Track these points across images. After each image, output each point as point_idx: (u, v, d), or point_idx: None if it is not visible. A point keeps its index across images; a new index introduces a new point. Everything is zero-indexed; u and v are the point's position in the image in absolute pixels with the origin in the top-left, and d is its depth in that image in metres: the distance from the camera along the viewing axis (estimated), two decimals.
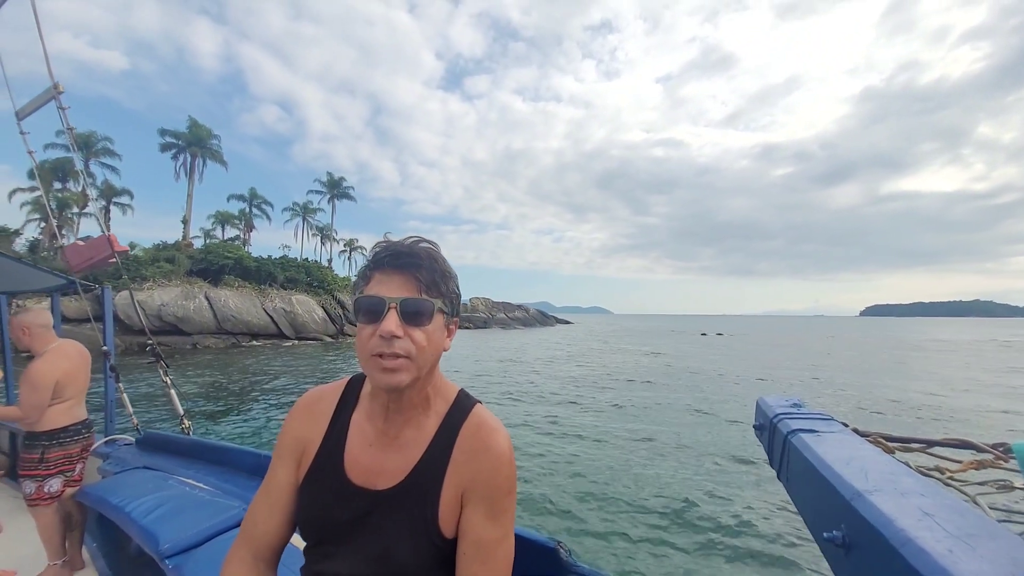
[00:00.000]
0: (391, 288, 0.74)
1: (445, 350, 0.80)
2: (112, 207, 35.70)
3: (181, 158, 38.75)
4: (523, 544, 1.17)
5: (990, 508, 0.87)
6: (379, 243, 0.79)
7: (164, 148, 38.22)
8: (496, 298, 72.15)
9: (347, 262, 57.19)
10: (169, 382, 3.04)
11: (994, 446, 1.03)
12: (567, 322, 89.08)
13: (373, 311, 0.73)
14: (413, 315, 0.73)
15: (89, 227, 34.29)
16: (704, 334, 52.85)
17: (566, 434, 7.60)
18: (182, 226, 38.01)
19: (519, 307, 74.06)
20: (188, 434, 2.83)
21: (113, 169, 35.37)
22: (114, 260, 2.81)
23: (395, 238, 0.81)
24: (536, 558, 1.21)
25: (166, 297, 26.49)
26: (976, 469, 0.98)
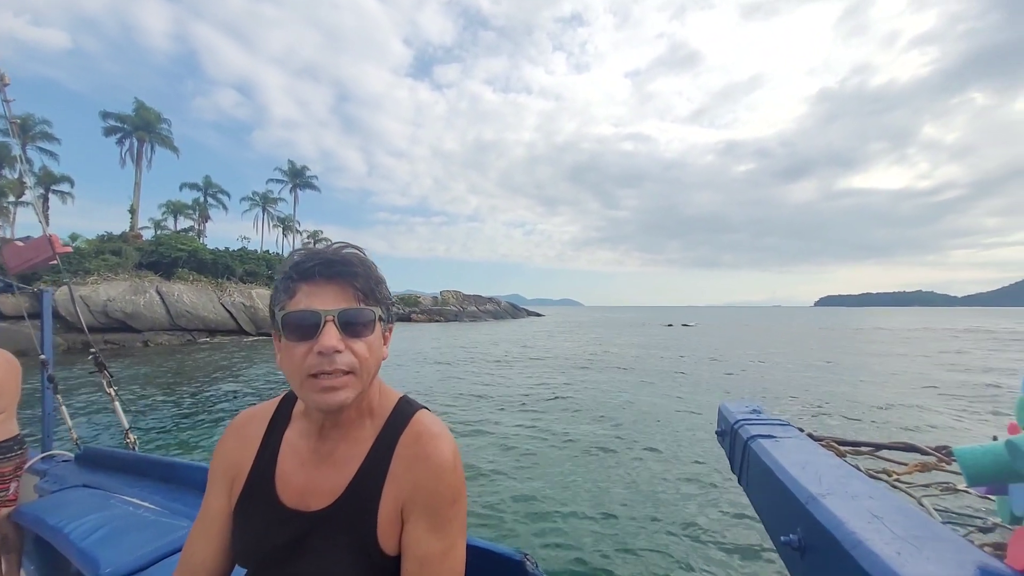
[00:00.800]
0: (325, 300, 0.69)
1: (384, 358, 0.77)
2: (51, 195, 33.15)
3: (127, 143, 36.25)
4: (488, 557, 1.16)
5: (935, 510, 0.91)
6: (299, 251, 0.74)
7: (108, 132, 35.65)
8: (467, 291, 71.75)
9: (297, 248, 55.34)
10: (113, 393, 2.85)
11: (937, 449, 1.09)
12: (538, 314, 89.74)
13: (306, 327, 0.67)
14: (354, 326, 0.69)
15: (26, 217, 31.69)
16: (670, 325, 54.49)
17: (531, 436, 7.58)
18: (129, 216, 35.67)
19: (490, 300, 73.99)
20: (133, 449, 2.68)
21: (52, 155, 32.89)
22: (55, 262, 2.63)
23: (317, 246, 0.76)
24: (501, 571, 1.18)
25: (113, 292, 24.85)
26: (921, 472, 1.03)
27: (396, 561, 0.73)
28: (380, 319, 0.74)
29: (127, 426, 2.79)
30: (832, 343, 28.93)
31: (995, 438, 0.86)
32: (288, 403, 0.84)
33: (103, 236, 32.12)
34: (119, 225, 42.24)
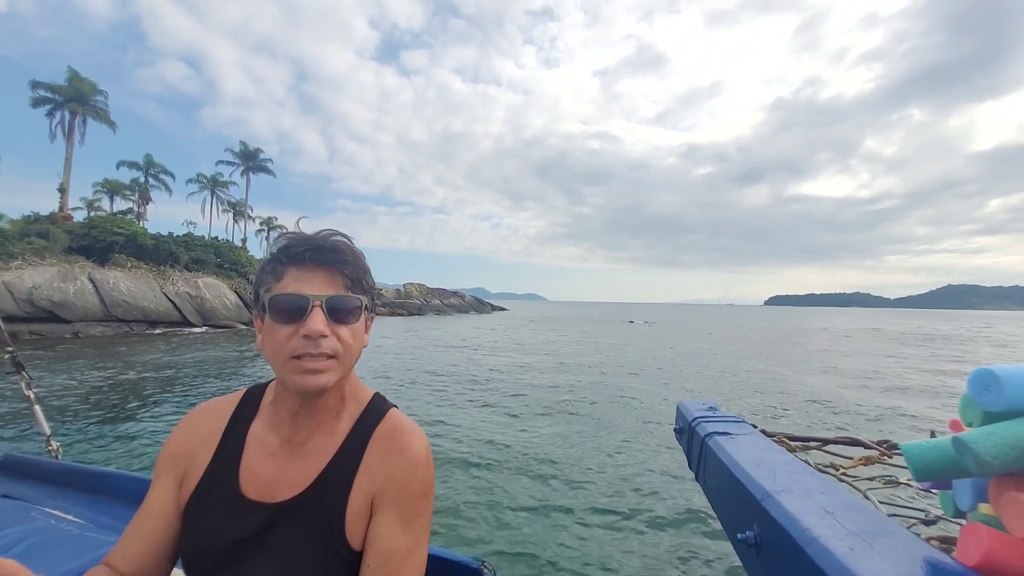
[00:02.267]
0: (314, 285, 0.70)
1: (364, 346, 0.78)
2: None
3: (57, 116, 33.12)
4: (444, 565, 1.12)
5: (880, 503, 0.94)
6: (287, 235, 0.75)
7: (36, 103, 32.40)
8: (431, 284, 71.02)
9: (264, 242, 52.91)
10: (33, 396, 2.59)
11: (879, 443, 1.12)
12: (502, 308, 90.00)
13: (294, 310, 0.68)
14: (340, 313, 0.71)
15: None
16: (632, 322, 56.04)
17: (488, 439, 7.49)
18: (59, 195, 32.72)
19: (454, 293, 73.52)
20: (56, 457, 2.46)
21: None
22: None
23: (304, 229, 0.77)
24: None
25: (39, 278, 22.75)
26: (865, 465, 1.05)
27: (358, 556, 0.71)
28: (365, 308, 0.76)
29: (48, 433, 2.56)
30: (796, 346, 30.58)
31: (933, 434, 0.85)
32: (253, 396, 0.82)
33: (29, 216, 29.30)
34: (48, 205, 38.67)
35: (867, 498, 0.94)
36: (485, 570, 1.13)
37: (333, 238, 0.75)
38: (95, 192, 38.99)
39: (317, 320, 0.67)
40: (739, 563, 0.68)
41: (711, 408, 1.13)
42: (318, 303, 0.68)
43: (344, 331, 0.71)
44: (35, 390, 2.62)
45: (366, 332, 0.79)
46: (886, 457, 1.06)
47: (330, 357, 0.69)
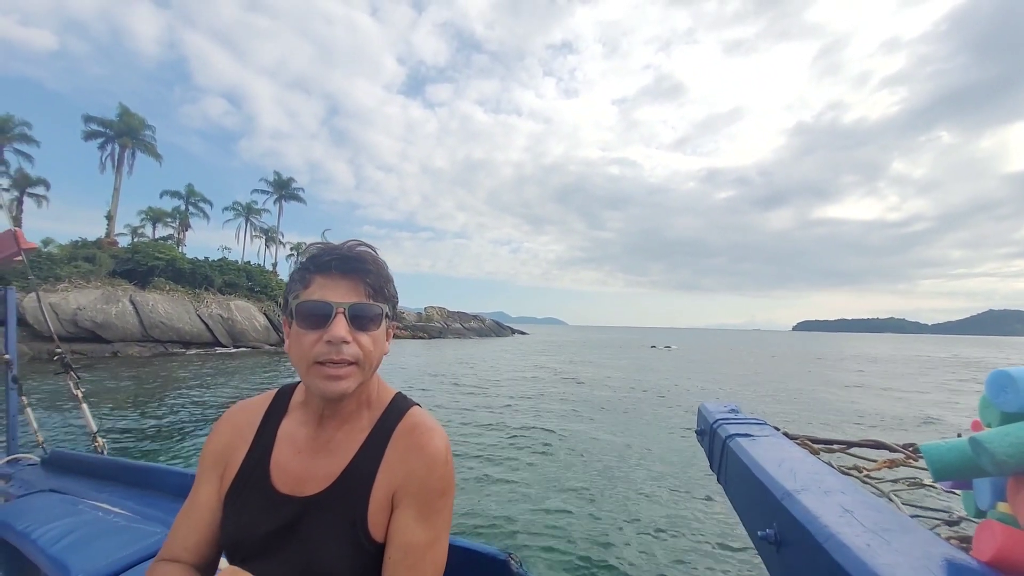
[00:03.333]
0: (337, 293, 0.73)
1: (385, 353, 0.80)
2: (26, 198, 32.15)
3: (108, 148, 35.54)
4: (472, 557, 1.17)
5: (903, 504, 0.96)
6: (315, 244, 0.79)
7: (89, 136, 34.89)
8: (452, 307, 71.32)
9: (294, 267, 54.35)
10: (80, 395, 2.74)
11: (904, 446, 1.13)
12: (523, 332, 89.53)
13: (318, 316, 0.71)
14: (362, 320, 0.73)
15: None
16: (653, 347, 54.79)
17: (517, 445, 7.57)
18: (106, 222, 34.75)
19: (475, 317, 73.59)
20: (102, 453, 2.58)
21: (28, 157, 31.99)
22: (20, 258, 2.52)
23: (331, 240, 0.80)
24: (486, 571, 1.18)
25: (84, 300, 23.99)
26: (889, 468, 1.08)
27: (381, 549, 0.74)
28: (386, 316, 0.78)
29: (95, 429, 2.68)
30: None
31: (959, 435, 0.91)
32: (284, 395, 0.86)
33: (77, 242, 31.15)
34: (95, 231, 41.09)
35: (890, 500, 0.96)
36: (512, 562, 1.16)
37: (358, 248, 0.78)
38: (140, 219, 41.34)
39: (340, 326, 0.70)
40: (760, 560, 0.71)
41: (733, 410, 1.15)
42: (341, 310, 0.71)
43: (365, 338, 0.73)
44: (82, 390, 2.78)
45: (388, 340, 0.81)
46: (911, 460, 1.08)
47: (351, 363, 0.71)
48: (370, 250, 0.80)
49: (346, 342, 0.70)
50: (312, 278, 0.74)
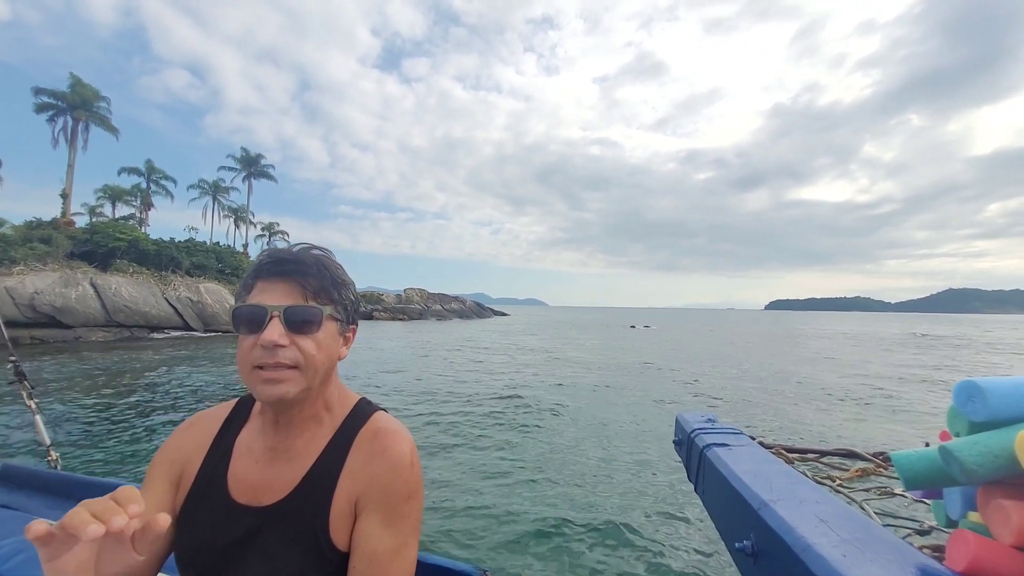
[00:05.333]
0: (274, 296, 0.71)
1: (341, 358, 0.79)
2: None
3: (60, 122, 33.33)
4: (442, 573, 1.13)
5: (875, 513, 0.95)
6: (264, 251, 0.78)
7: (40, 109, 32.59)
8: (432, 289, 71.01)
9: (266, 247, 52.83)
10: (34, 406, 2.59)
11: (875, 455, 1.12)
12: (503, 314, 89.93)
13: (254, 321, 0.70)
14: (299, 323, 0.71)
15: None
16: (633, 326, 55.83)
17: (490, 445, 7.48)
18: (61, 201, 32.85)
19: (455, 298, 73.49)
20: (55, 467, 2.46)
21: None
22: None
23: (283, 247, 0.78)
24: None
25: (41, 284, 22.81)
26: (861, 476, 1.06)
27: (346, 558, 0.72)
28: (334, 318, 0.75)
29: (48, 442, 2.56)
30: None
31: (927, 444, 0.86)
32: (244, 404, 0.85)
33: (31, 222, 29.43)
34: (50, 211, 38.75)
35: (863, 508, 0.95)
36: None
37: (297, 250, 0.76)
38: (97, 198, 39.15)
39: (273, 330, 0.68)
40: (737, 572, 0.70)
41: (709, 420, 1.14)
42: (276, 313, 0.69)
43: (306, 342, 0.70)
44: (36, 400, 2.63)
45: (345, 345, 0.79)
46: (882, 469, 1.07)
47: (291, 367, 0.69)
48: (320, 253, 0.78)
49: (280, 345, 0.68)
50: (254, 283, 0.73)
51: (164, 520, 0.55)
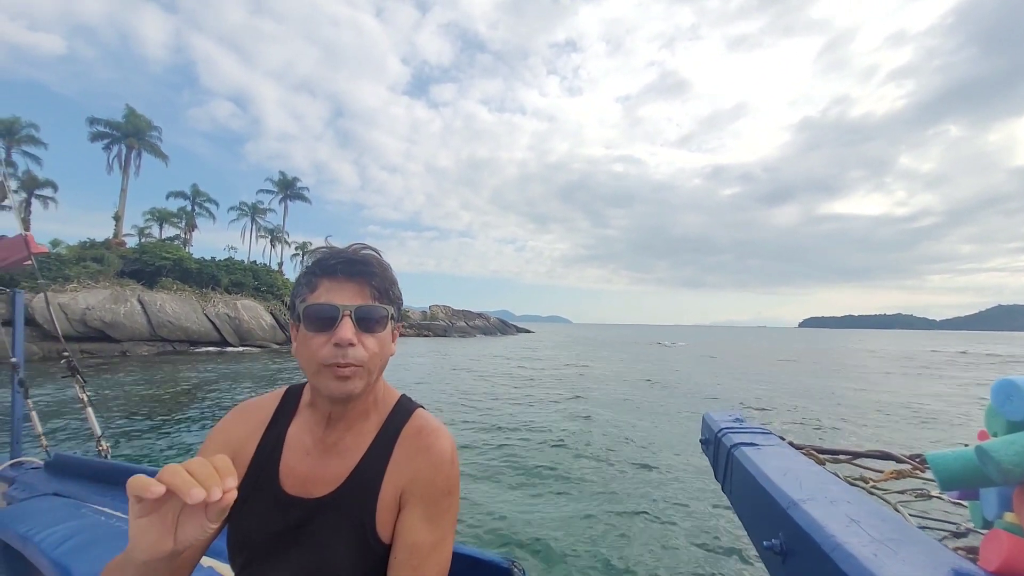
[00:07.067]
0: (343, 296, 0.73)
1: (392, 354, 0.81)
2: (33, 200, 32.51)
3: (115, 149, 35.83)
4: (474, 564, 1.15)
5: (910, 515, 0.94)
6: (321, 248, 0.80)
7: (95, 138, 35.17)
8: (457, 306, 71.46)
9: (299, 266, 54.56)
10: (86, 399, 2.75)
11: (911, 457, 1.11)
12: (527, 331, 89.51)
13: (325, 319, 0.72)
14: (368, 322, 0.74)
15: (6, 221, 31.02)
16: (660, 343, 54.53)
17: (521, 452, 7.49)
18: (113, 223, 35.09)
19: (479, 315, 73.71)
20: (105, 457, 2.59)
21: (36, 159, 32.34)
22: (30, 262, 2.54)
23: (336, 244, 0.81)
24: None
25: (92, 300, 24.24)
26: (896, 479, 1.05)
27: (387, 549, 0.75)
28: (392, 317, 0.79)
29: (99, 433, 2.69)
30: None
31: (966, 444, 0.89)
32: (292, 397, 0.86)
33: (85, 243, 31.49)
34: (102, 232, 41.32)
35: (897, 510, 0.94)
36: (515, 570, 1.14)
37: (363, 251, 0.79)
38: (146, 220, 41.64)
39: (346, 329, 0.70)
40: (765, 570, 0.69)
41: (737, 419, 1.13)
42: (347, 312, 0.72)
43: (371, 340, 0.74)
44: (88, 393, 2.78)
45: (393, 341, 0.81)
46: (918, 471, 1.06)
47: (358, 365, 0.72)
48: (375, 253, 0.80)
49: (352, 344, 0.71)
50: (319, 282, 0.75)
51: (232, 495, 0.55)
